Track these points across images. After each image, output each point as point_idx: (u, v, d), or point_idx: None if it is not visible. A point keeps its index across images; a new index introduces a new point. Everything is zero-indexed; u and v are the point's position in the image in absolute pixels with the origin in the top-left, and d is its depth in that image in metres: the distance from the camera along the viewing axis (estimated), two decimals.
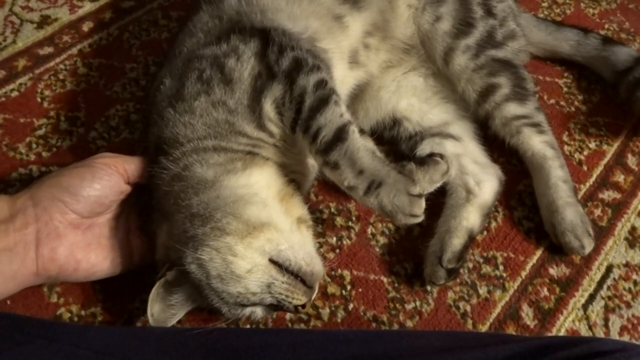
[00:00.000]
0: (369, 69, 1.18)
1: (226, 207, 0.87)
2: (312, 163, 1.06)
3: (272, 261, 0.87)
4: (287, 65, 0.95)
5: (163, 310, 0.91)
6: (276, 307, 0.90)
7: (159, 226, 0.94)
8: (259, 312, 0.90)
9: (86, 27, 1.47)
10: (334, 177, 0.93)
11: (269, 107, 0.95)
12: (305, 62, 0.96)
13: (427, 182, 0.99)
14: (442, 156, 0.99)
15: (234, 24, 1.03)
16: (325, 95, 0.94)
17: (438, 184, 0.99)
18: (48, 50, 1.41)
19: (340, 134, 0.91)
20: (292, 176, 1.00)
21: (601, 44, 1.32)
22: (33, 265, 0.88)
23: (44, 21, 1.47)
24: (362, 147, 0.92)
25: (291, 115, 0.94)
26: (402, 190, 0.90)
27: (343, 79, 1.11)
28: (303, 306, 0.90)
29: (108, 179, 0.93)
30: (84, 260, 0.93)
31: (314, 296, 0.92)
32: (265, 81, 0.95)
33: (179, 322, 0.95)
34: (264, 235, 0.87)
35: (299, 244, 0.91)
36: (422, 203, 0.91)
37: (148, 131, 1.02)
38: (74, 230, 0.92)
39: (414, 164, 0.97)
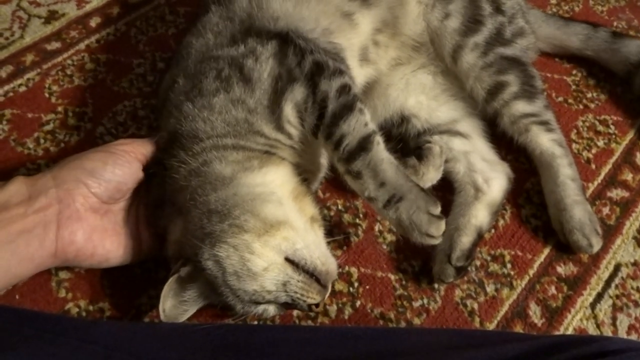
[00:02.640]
0: (379, 67, 1.17)
1: (244, 205, 0.87)
2: (324, 162, 1.06)
3: (288, 260, 0.87)
4: (308, 69, 0.95)
5: (175, 306, 0.91)
6: (289, 305, 0.90)
7: (172, 221, 0.94)
8: (271, 309, 0.90)
9: (94, 22, 1.47)
10: (354, 186, 0.93)
11: (289, 110, 0.95)
12: (326, 66, 0.95)
13: (433, 171, 1.07)
14: (429, 141, 1.08)
15: (248, 27, 1.02)
16: (349, 102, 0.94)
17: (442, 167, 1.09)
18: (56, 45, 1.41)
19: (365, 144, 0.91)
20: (303, 175, 1.00)
21: (611, 36, 1.32)
22: (52, 246, 0.88)
23: (51, 16, 1.47)
24: (386, 159, 0.92)
25: (313, 120, 0.94)
26: (422, 208, 0.90)
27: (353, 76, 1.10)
28: (317, 305, 0.90)
29: (129, 165, 0.94)
30: (100, 246, 0.93)
31: (327, 295, 0.92)
32: (286, 84, 0.94)
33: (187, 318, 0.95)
34: (280, 234, 0.87)
35: (314, 243, 0.91)
36: (442, 225, 0.91)
37: (162, 121, 1.01)
38: (93, 214, 0.93)
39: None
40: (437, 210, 0.91)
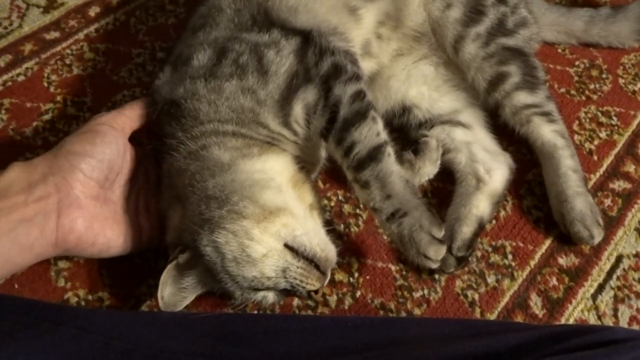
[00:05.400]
0: (381, 59, 1.17)
1: (243, 191, 0.87)
2: (323, 154, 1.06)
3: (287, 246, 0.87)
4: (325, 71, 0.94)
5: (174, 293, 0.90)
6: (289, 292, 0.90)
7: (172, 207, 0.94)
8: (270, 296, 0.90)
9: (93, 11, 1.46)
10: (360, 194, 0.93)
11: (299, 110, 0.94)
12: (344, 70, 0.95)
13: (430, 165, 1.06)
14: (425, 135, 1.08)
15: (266, 11, 1.02)
16: (362, 110, 0.93)
17: (439, 161, 1.08)
18: (54, 34, 1.40)
19: (375, 154, 0.91)
20: (302, 164, 1.00)
21: (613, 11, 1.33)
22: (52, 235, 0.88)
23: (50, 5, 1.47)
24: (396, 172, 0.92)
25: (321, 123, 0.94)
26: (425, 227, 0.90)
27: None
28: (316, 292, 0.91)
29: (115, 142, 0.94)
30: (101, 235, 0.93)
31: (326, 282, 0.92)
32: (301, 82, 0.94)
33: (185, 306, 0.95)
34: (279, 220, 0.87)
35: (314, 230, 0.91)
36: (441, 250, 0.91)
37: (174, 82, 0.99)
38: (93, 202, 0.92)
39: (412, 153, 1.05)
40: (440, 234, 0.91)
